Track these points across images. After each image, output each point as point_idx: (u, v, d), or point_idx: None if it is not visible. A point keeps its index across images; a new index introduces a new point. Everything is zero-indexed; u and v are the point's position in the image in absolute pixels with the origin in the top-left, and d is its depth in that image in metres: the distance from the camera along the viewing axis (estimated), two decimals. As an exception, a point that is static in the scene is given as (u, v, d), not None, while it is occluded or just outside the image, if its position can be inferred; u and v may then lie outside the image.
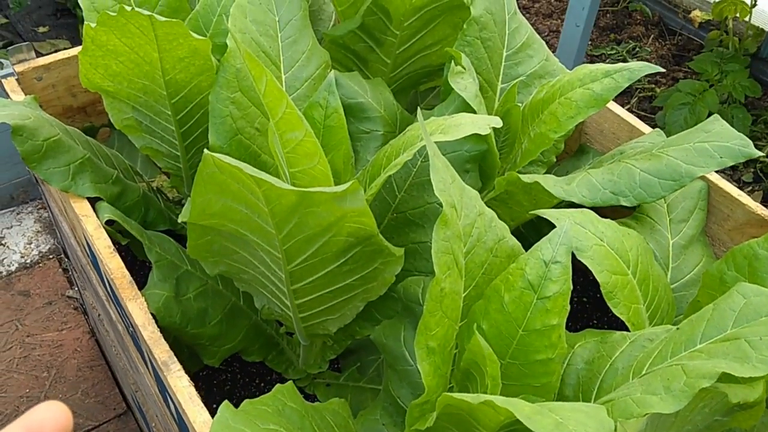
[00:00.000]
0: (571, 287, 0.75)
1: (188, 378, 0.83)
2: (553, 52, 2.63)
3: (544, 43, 1.31)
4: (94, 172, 1.06)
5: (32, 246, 2.06)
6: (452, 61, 1.10)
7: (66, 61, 1.28)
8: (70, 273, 1.91)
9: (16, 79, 1.23)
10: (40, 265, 1.99)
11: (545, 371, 0.75)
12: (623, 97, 2.54)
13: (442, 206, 1.02)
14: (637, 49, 2.70)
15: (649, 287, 0.92)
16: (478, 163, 1.11)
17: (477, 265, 0.79)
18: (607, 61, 2.68)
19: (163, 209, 1.22)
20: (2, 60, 1.90)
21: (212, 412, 0.80)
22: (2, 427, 1.70)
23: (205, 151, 0.76)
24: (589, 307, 1.35)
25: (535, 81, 1.26)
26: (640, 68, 0.99)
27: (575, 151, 1.36)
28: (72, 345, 1.80)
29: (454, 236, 0.73)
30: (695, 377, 0.63)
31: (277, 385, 0.81)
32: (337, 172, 0.98)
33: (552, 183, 0.98)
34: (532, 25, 2.89)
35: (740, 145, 0.92)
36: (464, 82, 1.06)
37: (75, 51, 1.25)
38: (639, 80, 2.58)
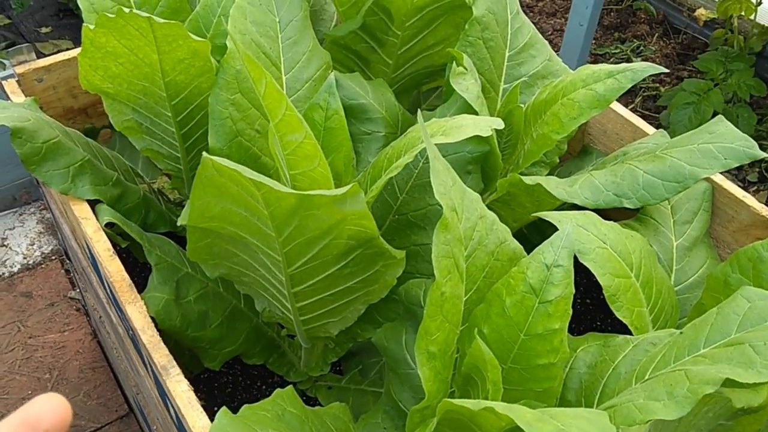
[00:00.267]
0: (573, 291, 0.74)
1: (188, 383, 0.83)
2: (556, 51, 2.63)
3: (547, 43, 1.30)
4: (94, 174, 1.06)
5: (35, 247, 2.05)
6: (454, 62, 1.09)
7: (66, 63, 1.28)
8: (72, 274, 1.91)
9: (17, 81, 1.23)
10: (43, 266, 1.99)
11: (547, 376, 0.74)
12: (627, 97, 2.52)
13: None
14: (642, 48, 2.68)
15: (652, 290, 0.91)
16: (481, 164, 1.10)
17: (478, 269, 0.78)
18: (611, 60, 2.67)
19: (164, 211, 1.22)
20: (3, 60, 1.90)
21: (213, 416, 0.80)
22: None
23: (204, 154, 0.76)
24: (593, 308, 1.34)
25: (537, 81, 1.25)
26: (643, 69, 0.98)
27: (578, 151, 1.35)
28: (74, 346, 1.80)
29: (454, 240, 0.72)
30: (698, 383, 0.62)
31: (277, 390, 0.81)
32: (338, 174, 0.98)
33: (554, 185, 0.97)
34: (536, 24, 2.88)
35: (745, 147, 0.91)
36: (466, 83, 1.05)
37: (75, 52, 1.24)
38: (643, 79, 2.56)
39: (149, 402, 1.20)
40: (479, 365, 0.73)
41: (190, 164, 1.19)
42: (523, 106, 1.10)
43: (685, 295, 1.05)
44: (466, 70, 1.08)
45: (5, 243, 2.07)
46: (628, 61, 2.63)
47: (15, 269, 2.00)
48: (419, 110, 0.79)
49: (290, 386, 0.82)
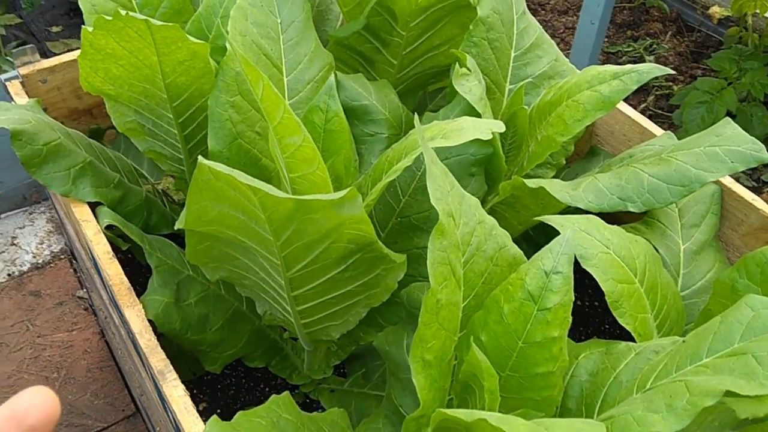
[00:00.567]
0: (573, 298, 0.73)
1: (184, 388, 0.82)
2: (568, 49, 2.60)
3: (554, 43, 1.28)
4: (96, 176, 1.06)
5: (44, 246, 2.06)
6: (457, 63, 1.08)
7: (70, 64, 1.28)
8: (79, 274, 1.91)
9: (21, 82, 1.23)
10: (52, 265, 2.00)
11: (546, 384, 0.73)
12: (640, 95, 2.49)
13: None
14: (655, 46, 2.65)
15: (657, 295, 0.89)
16: (484, 166, 1.09)
17: (476, 275, 0.77)
18: (624, 58, 2.64)
19: (167, 212, 1.22)
20: (10, 59, 1.90)
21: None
22: None
23: (200, 158, 0.75)
24: (600, 312, 1.32)
25: (544, 82, 1.24)
26: (649, 70, 0.96)
27: (586, 153, 1.33)
28: (82, 346, 1.81)
29: (451, 246, 0.71)
30: (699, 395, 0.60)
31: (273, 396, 0.80)
32: (339, 177, 0.97)
33: (558, 188, 0.95)
34: (548, 21, 2.86)
35: (752, 150, 0.89)
36: (469, 85, 1.04)
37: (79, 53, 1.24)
38: (656, 78, 2.53)
39: (151, 404, 1.19)
40: (476, 373, 0.71)
41: (192, 166, 1.18)
42: (527, 107, 1.09)
43: (692, 300, 1.03)
44: (470, 71, 1.07)
45: (15, 242, 2.08)
46: (641, 59, 2.60)
47: (24, 268, 2.01)
48: (416, 114, 0.78)
49: (286, 392, 0.81)
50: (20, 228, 2.11)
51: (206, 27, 1.13)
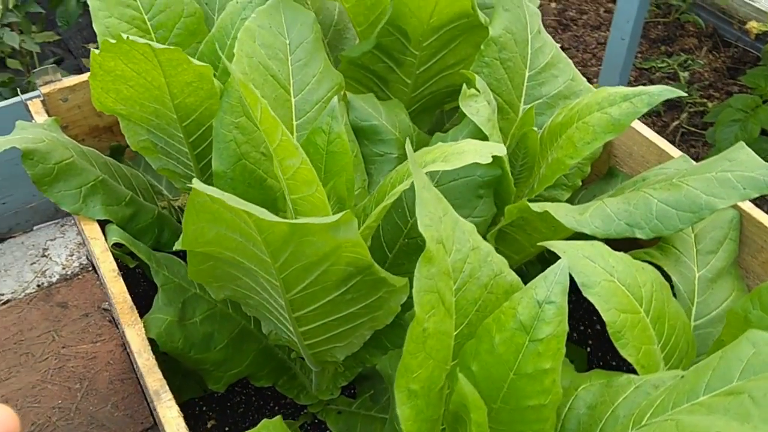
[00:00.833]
0: (567, 329, 0.71)
1: (178, 409, 0.82)
2: (599, 65, 2.55)
3: (571, 62, 1.26)
4: (107, 194, 1.07)
5: (73, 258, 2.11)
6: (464, 84, 1.06)
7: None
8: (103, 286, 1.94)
9: (41, 101, 1.26)
10: (80, 277, 2.04)
11: (537, 418, 0.71)
12: (673, 112, 2.44)
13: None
14: (689, 61, 2.59)
15: (664, 326, 0.86)
16: (494, 188, 1.07)
17: (469, 302, 0.75)
18: (657, 74, 2.59)
19: (180, 229, 1.23)
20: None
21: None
22: None
23: (194, 182, 0.75)
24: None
25: (559, 102, 1.22)
26: (660, 92, 0.94)
27: (604, 174, 1.31)
28: (105, 357, 1.83)
29: (440, 273, 0.69)
30: (688, 436, 0.58)
31: (264, 421, 0.80)
32: (341, 199, 0.96)
33: (564, 212, 0.93)
34: (579, 37, 2.82)
35: (765, 176, 0.86)
36: (477, 106, 1.03)
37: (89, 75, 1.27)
38: (690, 94, 2.48)
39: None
40: (465, 404, 0.70)
41: (205, 184, 1.19)
42: (536, 129, 1.07)
43: (707, 330, 1.00)
44: (479, 92, 1.06)
45: (46, 253, 2.13)
46: (675, 75, 2.55)
47: (54, 279, 2.05)
48: (407, 139, 0.77)
49: (278, 417, 0.81)
50: (51, 240, 2.16)
51: (219, 47, 1.14)
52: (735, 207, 1.06)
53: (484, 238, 1.07)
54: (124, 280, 1.52)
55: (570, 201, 1.24)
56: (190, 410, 1.25)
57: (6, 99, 1.94)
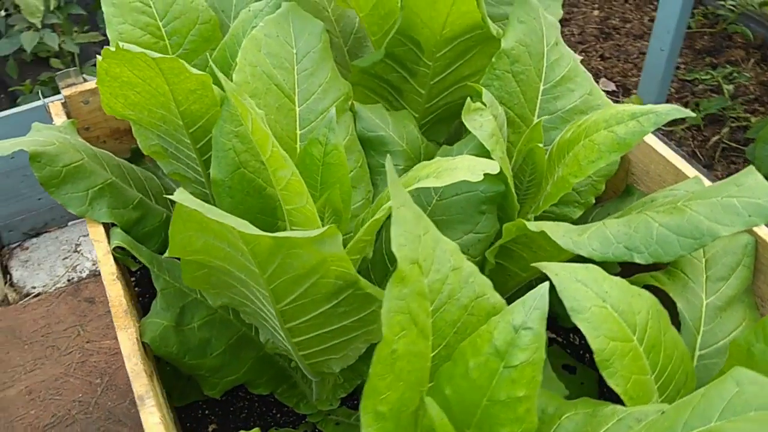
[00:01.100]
0: (544, 357, 0.69)
1: (160, 415, 0.83)
2: (639, 75, 2.49)
3: (590, 76, 1.23)
4: (114, 197, 1.09)
5: (104, 254, 2.15)
6: (469, 98, 1.05)
7: (111, 86, 1.32)
8: (131, 284, 1.98)
9: (63, 103, 1.29)
10: (108, 273, 2.08)
11: (510, 446, 0.69)
12: (714, 126, 2.36)
13: (452, 249, 0.97)
14: (735, 74, 2.51)
15: (659, 355, 0.83)
16: (497, 203, 1.05)
17: (448, 324, 0.73)
18: (700, 86, 2.51)
19: (189, 234, 1.24)
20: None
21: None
22: (53, 428, 1.74)
23: (176, 193, 0.75)
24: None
25: (575, 116, 1.19)
26: (668, 111, 0.90)
27: (622, 192, 1.27)
28: (126, 354, 1.86)
29: (413, 294, 0.68)
30: (652, 479, 0.55)
31: (241, 432, 0.79)
32: (337, 211, 0.96)
33: (561, 233, 0.90)
34: (621, 46, 2.76)
35: (772, 203, 0.82)
36: (480, 120, 1.01)
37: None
38: (733, 108, 2.39)
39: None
40: (434, 428, 0.68)
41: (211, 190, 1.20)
42: (542, 145, 1.04)
43: (712, 361, 0.96)
44: (485, 105, 1.04)
45: (78, 249, 2.18)
46: (718, 87, 2.47)
47: (83, 275, 2.10)
48: (388, 155, 0.75)
49: (256, 429, 0.81)
50: (84, 236, 2.21)
51: (230, 55, 1.14)
52: (750, 232, 1.02)
53: (485, 255, 1.05)
54: (137, 283, 1.54)
55: (584, 218, 1.21)
56: (192, 413, 1.26)
57: (47, 98, 2.00)
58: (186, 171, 1.20)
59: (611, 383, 0.78)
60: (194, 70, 0.91)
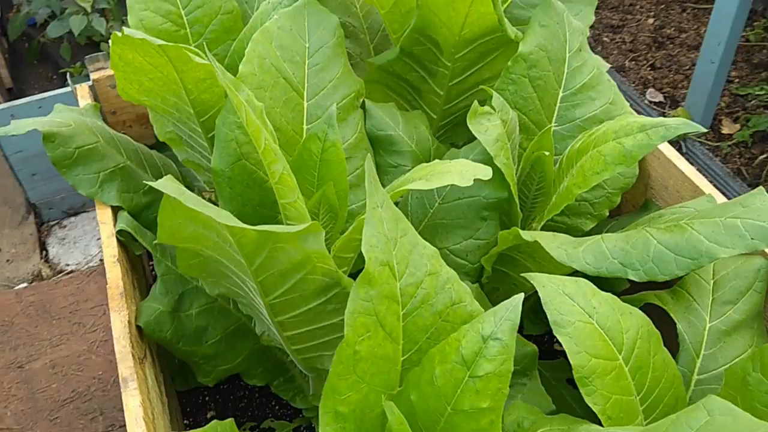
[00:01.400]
0: (512, 368, 0.67)
1: (141, 399, 0.84)
2: (688, 86, 2.40)
3: (614, 84, 1.19)
4: (125, 181, 1.11)
5: (137, 237, 2.20)
6: (475, 101, 1.03)
7: (137, 72, 1.35)
8: (156, 267, 2.02)
9: (90, 86, 1.32)
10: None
11: (471, 458, 0.67)
12: (763, 144, 2.26)
13: (451, 252, 0.96)
14: (791, 91, 2.40)
15: (647, 377, 0.80)
16: (500, 210, 1.03)
17: (420, 329, 0.72)
18: (753, 102, 2.41)
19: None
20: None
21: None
22: (72, 403, 1.78)
23: (162, 181, 0.76)
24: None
25: (594, 126, 1.15)
26: (678, 125, 0.87)
27: (641, 205, 1.23)
28: (148, 335, 1.90)
29: (380, 296, 0.67)
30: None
31: (213, 422, 0.80)
32: (333, 207, 0.95)
33: (556, 244, 0.88)
34: (673, 56, 2.67)
35: (776, 227, 0.77)
36: (486, 124, 0.99)
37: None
38: (787, 126, 2.28)
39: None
40: (395, 434, 0.67)
41: (223, 179, 1.21)
42: (548, 153, 1.02)
43: (710, 386, 0.92)
44: (493, 110, 1.02)
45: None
46: (771, 104, 2.36)
47: (116, 255, 2.15)
48: (368, 155, 0.75)
49: (230, 420, 0.81)
50: (120, 217, 2.27)
51: (247, 45, 1.15)
52: (765, 256, 0.97)
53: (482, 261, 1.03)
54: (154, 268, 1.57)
55: (597, 231, 1.18)
56: (194, 399, 1.28)
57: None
58: (200, 159, 1.21)
59: (589, 401, 0.75)
60: (199, 60, 0.92)
